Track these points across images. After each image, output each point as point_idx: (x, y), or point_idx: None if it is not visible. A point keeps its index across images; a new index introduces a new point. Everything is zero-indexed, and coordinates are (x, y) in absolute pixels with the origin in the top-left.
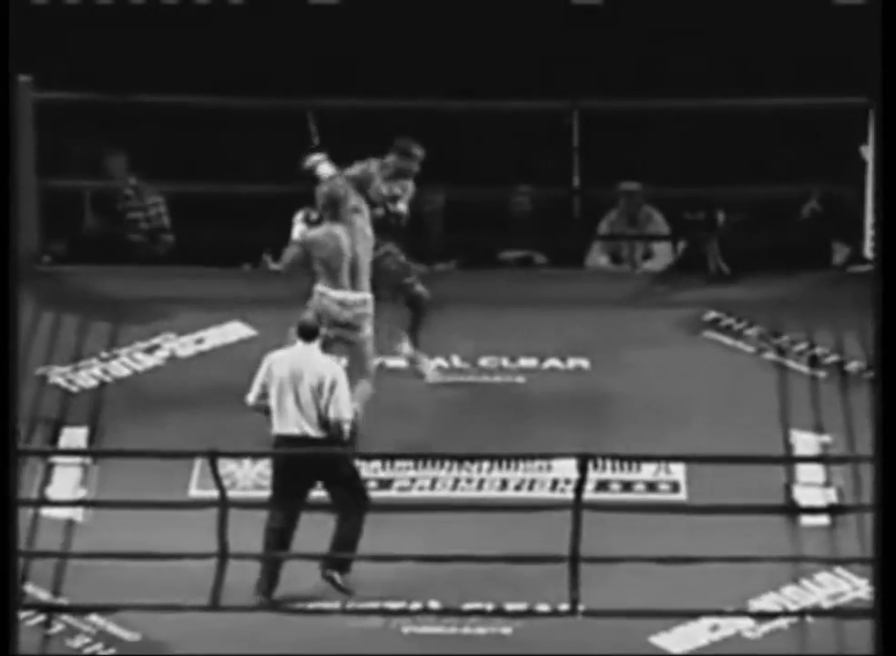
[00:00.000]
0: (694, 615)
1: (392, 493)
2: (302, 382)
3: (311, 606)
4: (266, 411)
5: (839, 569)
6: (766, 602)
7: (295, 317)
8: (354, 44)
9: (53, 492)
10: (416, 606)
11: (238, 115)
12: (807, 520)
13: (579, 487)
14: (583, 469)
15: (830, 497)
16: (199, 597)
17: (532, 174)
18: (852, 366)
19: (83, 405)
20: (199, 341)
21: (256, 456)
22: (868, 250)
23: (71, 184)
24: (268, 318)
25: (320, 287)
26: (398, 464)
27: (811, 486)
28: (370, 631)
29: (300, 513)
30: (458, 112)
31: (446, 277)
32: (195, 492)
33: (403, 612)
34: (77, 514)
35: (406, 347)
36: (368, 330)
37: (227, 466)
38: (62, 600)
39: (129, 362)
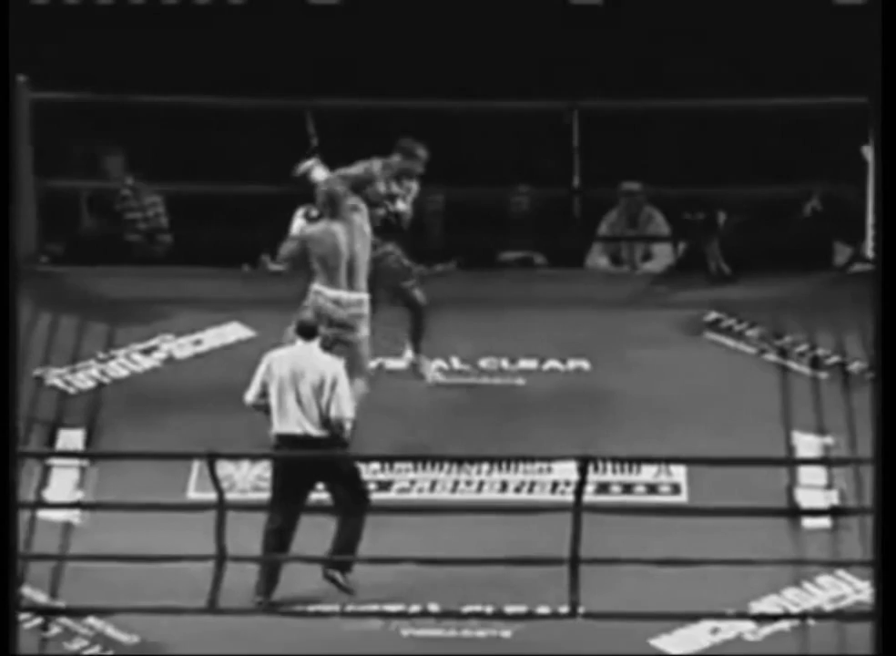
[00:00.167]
0: (694, 617)
1: (391, 495)
2: (303, 380)
3: (310, 608)
4: (266, 410)
5: (840, 572)
6: (767, 605)
7: (294, 318)
8: (354, 44)
9: (50, 494)
10: (416, 608)
11: (237, 115)
12: (808, 522)
13: (579, 489)
14: (583, 471)
15: (832, 499)
16: (197, 599)
17: (532, 174)
18: (854, 367)
19: (80, 407)
20: (198, 342)
21: (254, 457)
22: (869, 250)
23: (69, 184)
24: (266, 319)
25: (316, 285)
26: (397, 466)
27: (813, 489)
28: (369, 634)
29: (300, 514)
30: (458, 112)
31: (446, 278)
32: (193, 494)
33: (403, 615)
34: (75, 516)
35: (408, 353)
36: (363, 330)
37: (225, 468)
38: (59, 603)
39: (127, 363)
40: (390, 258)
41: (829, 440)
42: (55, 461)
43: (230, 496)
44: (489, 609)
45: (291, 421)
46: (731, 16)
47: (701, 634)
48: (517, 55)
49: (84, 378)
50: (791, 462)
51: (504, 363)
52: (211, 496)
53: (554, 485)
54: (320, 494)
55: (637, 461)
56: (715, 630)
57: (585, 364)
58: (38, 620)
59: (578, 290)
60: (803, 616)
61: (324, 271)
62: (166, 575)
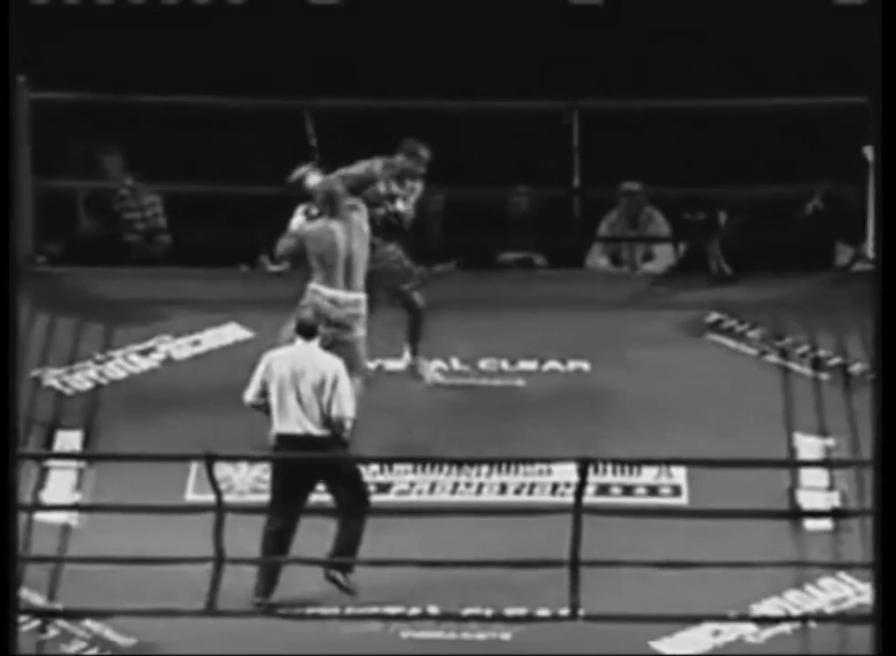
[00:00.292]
0: (696, 620)
1: (390, 497)
2: (304, 379)
3: (309, 611)
4: (265, 410)
5: (842, 574)
6: (768, 607)
7: (289, 318)
8: (354, 44)
9: (48, 496)
10: (415, 611)
11: (236, 115)
12: (810, 524)
13: (579, 491)
14: (583, 473)
15: (834, 500)
16: (195, 601)
17: (532, 174)
18: (856, 368)
19: (78, 408)
20: (196, 343)
21: (253, 459)
22: (870, 250)
23: (67, 184)
24: (264, 320)
25: (313, 284)
26: (397, 467)
27: (815, 490)
28: (368, 636)
29: (300, 516)
30: (458, 112)
31: (445, 278)
32: (191, 496)
33: (402, 617)
34: (72, 518)
35: (406, 356)
36: (360, 330)
37: (223, 470)
38: (57, 605)
39: (125, 364)
40: (391, 259)
41: (830, 442)
42: (52, 463)
43: (229, 497)
44: (489, 612)
45: (292, 420)
46: (731, 16)
47: (702, 636)
48: (517, 55)
49: (81, 379)
50: (793, 464)
51: (504, 364)
52: (210, 497)
53: (555, 486)
54: (319, 495)
55: (638, 463)
56: (716, 633)
57: (585, 365)
58: (36, 623)
59: (578, 290)
60: (805, 618)
61: (321, 269)
62: (164, 577)
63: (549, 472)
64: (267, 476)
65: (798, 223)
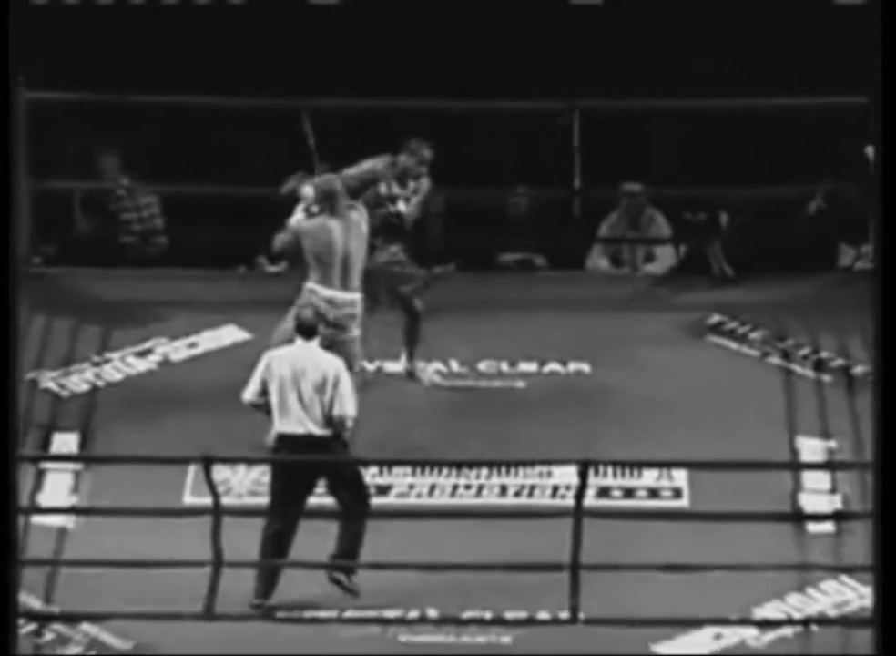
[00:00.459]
0: (697, 623)
1: (390, 499)
2: (305, 379)
3: (308, 614)
4: (265, 409)
5: (844, 577)
6: (770, 610)
7: (283, 318)
8: (354, 44)
9: (44, 499)
10: (414, 614)
11: (236, 115)
12: (812, 527)
13: (580, 494)
14: (583, 475)
15: (836, 503)
16: (193, 605)
17: (532, 175)
18: (858, 370)
19: (74, 410)
20: (193, 344)
21: (251, 462)
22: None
23: (64, 185)
24: (262, 321)
25: (310, 284)
26: (396, 470)
27: (817, 493)
28: (367, 640)
29: (299, 518)
30: (458, 112)
31: (445, 280)
32: (189, 499)
33: (401, 621)
34: (69, 521)
35: (403, 360)
36: (355, 330)
37: (221, 473)
38: (54, 608)
39: (122, 366)
40: (393, 260)
41: (832, 444)
42: (49, 465)
43: (227, 500)
44: (489, 615)
45: (293, 420)
46: (731, 16)
47: (704, 640)
48: (517, 55)
49: (78, 381)
50: (795, 466)
51: (504, 366)
52: (207, 500)
53: (555, 489)
54: (318, 498)
55: (639, 465)
56: (717, 636)
57: (585, 367)
58: (32, 626)
59: (579, 292)
60: (807, 622)
61: (318, 268)
62: (161, 580)
63: (549, 474)
64: (265, 479)
65: (800, 224)
